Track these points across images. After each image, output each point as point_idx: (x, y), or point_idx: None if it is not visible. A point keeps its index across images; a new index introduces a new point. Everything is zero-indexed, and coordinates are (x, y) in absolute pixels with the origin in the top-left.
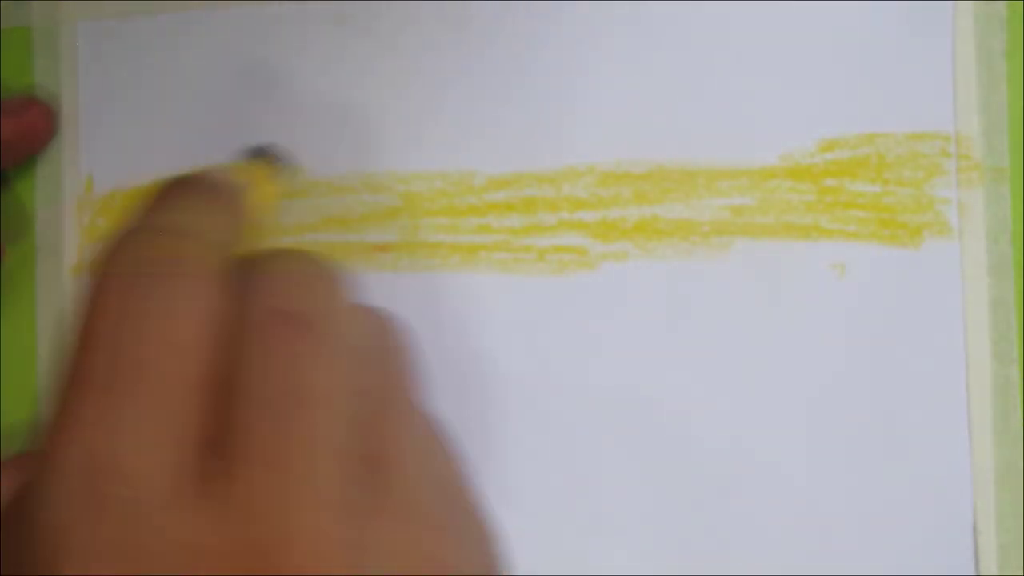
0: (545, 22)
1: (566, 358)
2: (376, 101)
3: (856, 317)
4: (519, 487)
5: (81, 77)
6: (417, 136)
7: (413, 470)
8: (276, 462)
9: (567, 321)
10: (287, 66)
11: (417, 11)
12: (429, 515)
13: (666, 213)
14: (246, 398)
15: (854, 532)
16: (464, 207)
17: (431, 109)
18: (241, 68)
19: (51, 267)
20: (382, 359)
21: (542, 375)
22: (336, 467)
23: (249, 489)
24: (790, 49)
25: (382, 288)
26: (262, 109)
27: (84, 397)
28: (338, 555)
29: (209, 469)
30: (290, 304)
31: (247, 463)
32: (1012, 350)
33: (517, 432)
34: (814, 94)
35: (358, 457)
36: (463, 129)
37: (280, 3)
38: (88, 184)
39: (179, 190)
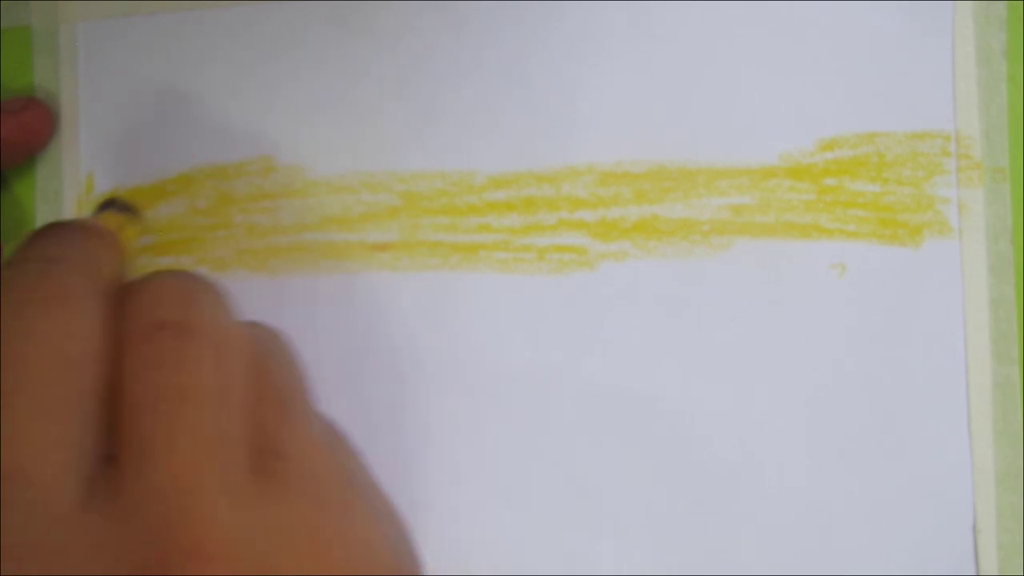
0: (545, 22)
1: (566, 357)
2: (376, 101)
3: (856, 317)
4: (519, 487)
5: (81, 77)
6: (417, 136)
7: (313, 459)
8: (161, 456)
9: (567, 321)
10: (287, 66)
11: (417, 11)
12: (332, 498)
13: (666, 213)
14: (131, 403)
15: (854, 532)
16: (464, 207)
17: (431, 109)
18: (241, 68)
19: None
20: (270, 365)
21: (542, 374)
22: (225, 456)
23: (139, 485)
24: (790, 49)
25: (382, 288)
26: (262, 109)
27: None
28: (235, 539)
29: (106, 472)
30: (166, 315)
31: (134, 460)
32: (1012, 350)
33: (517, 431)
34: (814, 94)
35: (254, 449)
36: (463, 129)
37: (280, 3)
38: (88, 184)
39: (55, 228)
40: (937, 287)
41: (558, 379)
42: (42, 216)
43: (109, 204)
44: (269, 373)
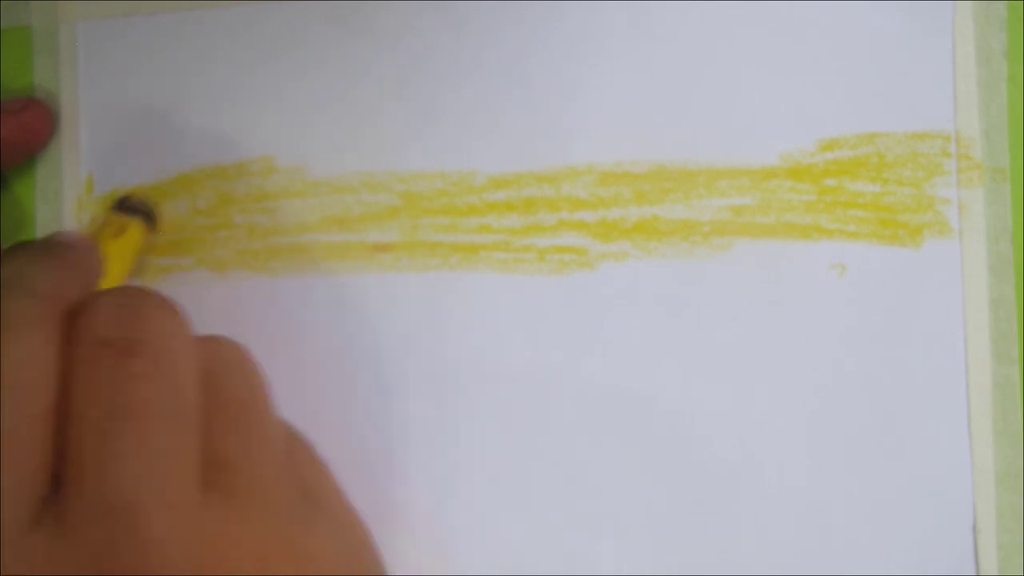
0: (545, 22)
1: (566, 358)
2: (376, 101)
3: (856, 317)
4: (519, 487)
5: (81, 77)
6: (417, 136)
7: (267, 472)
8: (104, 474)
9: (567, 321)
10: (287, 66)
11: (417, 11)
12: (284, 510)
13: (666, 213)
14: (76, 422)
15: (854, 532)
16: (464, 207)
17: (431, 109)
18: (241, 68)
19: None
20: (224, 378)
21: (542, 375)
22: (171, 472)
23: (82, 504)
24: (790, 49)
25: (382, 288)
26: (262, 109)
27: None
28: (180, 555)
29: (54, 493)
30: (111, 332)
31: (78, 480)
32: (1012, 350)
33: (517, 431)
34: (814, 94)
35: (203, 463)
36: (463, 129)
37: (280, 3)
38: (88, 184)
39: (18, 251)
40: (937, 287)
41: (558, 379)
42: (42, 216)
43: (119, 204)
44: (223, 386)
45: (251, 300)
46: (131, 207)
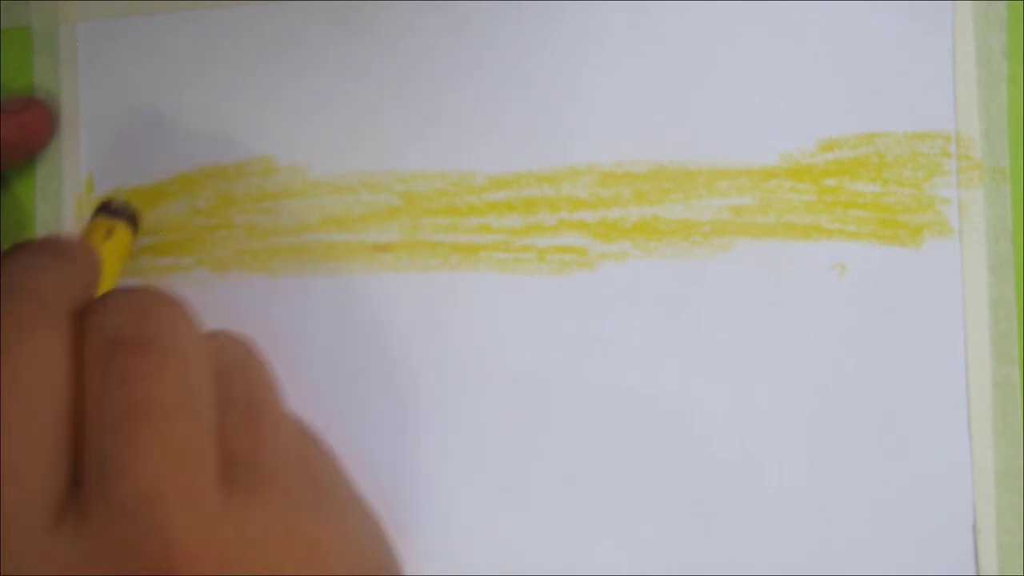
0: (545, 22)
1: (566, 358)
2: (376, 101)
3: (856, 317)
4: (519, 487)
5: (81, 77)
6: (417, 136)
7: (285, 466)
8: (124, 473)
9: (567, 321)
10: (287, 66)
11: (417, 11)
12: (303, 504)
13: (666, 213)
14: (93, 422)
15: (854, 532)
16: (464, 207)
17: (431, 109)
18: (241, 68)
19: None
20: (235, 374)
21: (542, 375)
22: (191, 469)
23: (105, 504)
24: (790, 49)
25: (382, 288)
26: (262, 109)
27: None
28: (205, 552)
29: (74, 493)
30: (122, 331)
31: (99, 480)
32: (1012, 350)
33: (517, 431)
34: (814, 94)
35: (221, 460)
36: (463, 129)
37: (280, 3)
38: (88, 184)
39: (13, 253)
40: (937, 287)
41: (558, 379)
42: (42, 216)
43: (102, 208)
44: (234, 382)
45: (251, 300)
46: (115, 210)
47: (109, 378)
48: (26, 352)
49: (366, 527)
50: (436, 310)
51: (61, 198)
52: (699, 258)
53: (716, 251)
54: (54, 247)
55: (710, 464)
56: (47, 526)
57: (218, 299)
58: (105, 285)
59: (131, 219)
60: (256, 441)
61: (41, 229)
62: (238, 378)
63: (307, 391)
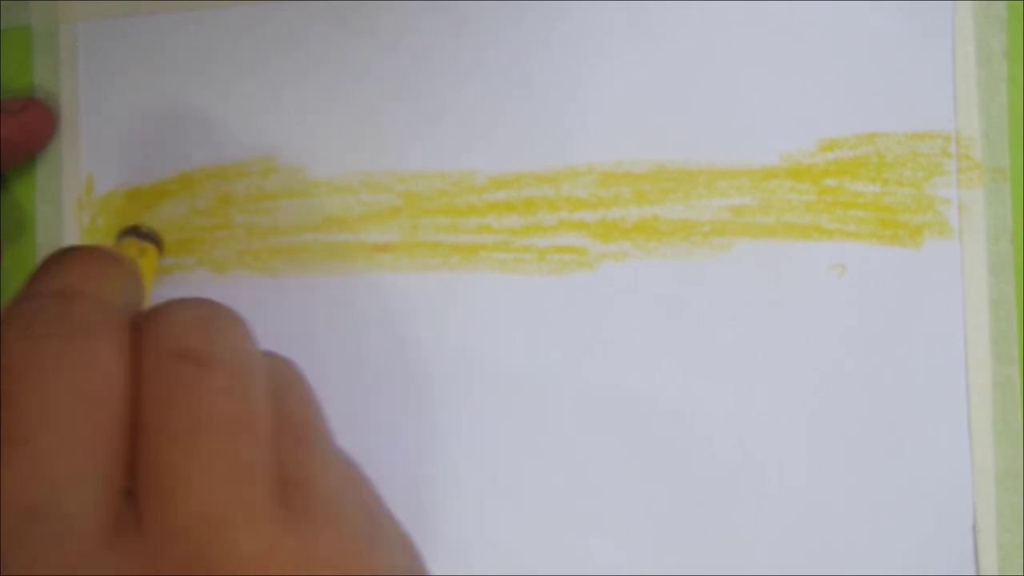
0: (545, 22)
1: (566, 358)
2: (376, 101)
3: (856, 317)
4: (519, 487)
5: (81, 77)
6: (417, 136)
7: (335, 490)
8: (184, 490)
9: (567, 321)
10: (287, 66)
11: (417, 11)
12: (355, 530)
13: (666, 213)
14: (152, 434)
15: (854, 532)
16: (464, 207)
17: (431, 109)
18: (241, 68)
19: None
20: (290, 396)
21: (542, 375)
22: (250, 488)
23: (163, 520)
24: (790, 49)
25: (382, 288)
26: (262, 109)
27: (6, 451)
28: (269, 568)
29: (130, 506)
30: (183, 344)
31: (157, 495)
32: (1012, 350)
33: (517, 431)
34: (814, 94)
35: (279, 480)
36: (463, 129)
37: (280, 3)
38: (88, 184)
39: (70, 256)
40: (937, 287)
41: (558, 379)
42: (42, 216)
43: (132, 231)
44: (289, 404)
45: (251, 300)
46: (143, 234)
47: (172, 391)
48: (87, 356)
49: (408, 556)
50: (436, 310)
51: (61, 198)
52: (699, 258)
53: (716, 251)
54: (104, 256)
55: (710, 464)
56: (104, 539)
57: (218, 299)
58: None
59: (156, 243)
60: (310, 463)
61: (41, 229)
62: (292, 399)
63: None
